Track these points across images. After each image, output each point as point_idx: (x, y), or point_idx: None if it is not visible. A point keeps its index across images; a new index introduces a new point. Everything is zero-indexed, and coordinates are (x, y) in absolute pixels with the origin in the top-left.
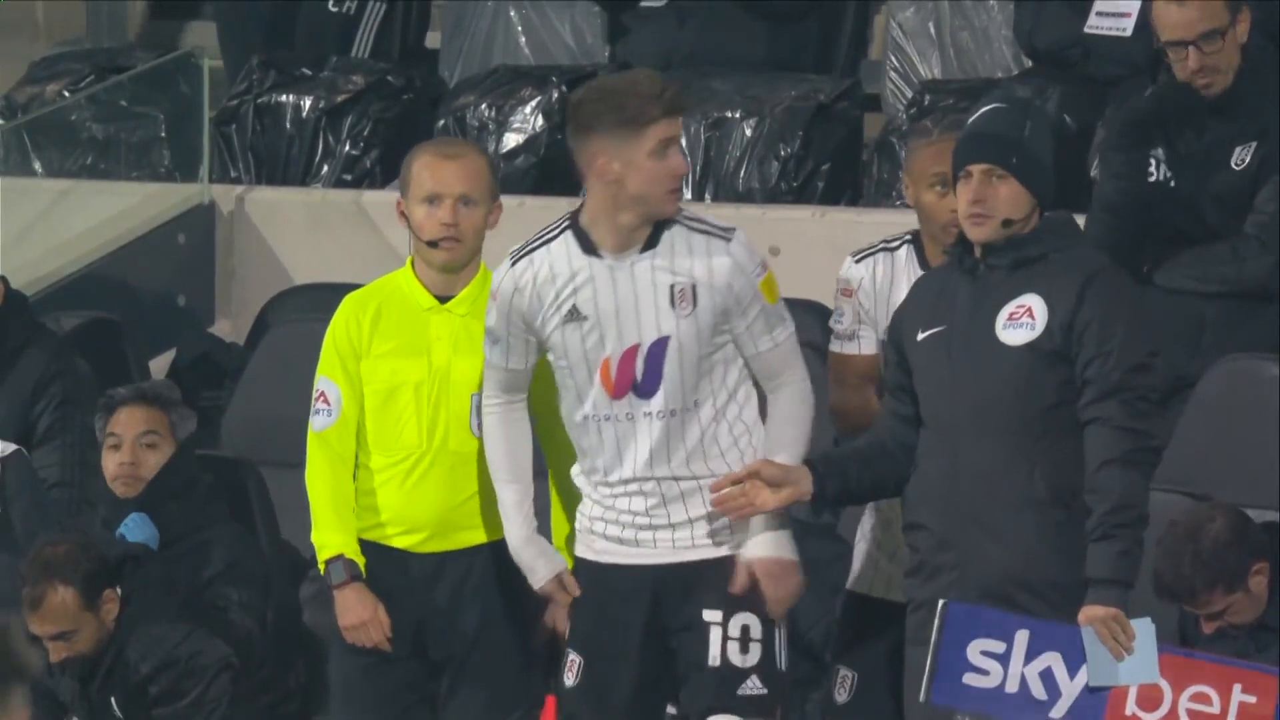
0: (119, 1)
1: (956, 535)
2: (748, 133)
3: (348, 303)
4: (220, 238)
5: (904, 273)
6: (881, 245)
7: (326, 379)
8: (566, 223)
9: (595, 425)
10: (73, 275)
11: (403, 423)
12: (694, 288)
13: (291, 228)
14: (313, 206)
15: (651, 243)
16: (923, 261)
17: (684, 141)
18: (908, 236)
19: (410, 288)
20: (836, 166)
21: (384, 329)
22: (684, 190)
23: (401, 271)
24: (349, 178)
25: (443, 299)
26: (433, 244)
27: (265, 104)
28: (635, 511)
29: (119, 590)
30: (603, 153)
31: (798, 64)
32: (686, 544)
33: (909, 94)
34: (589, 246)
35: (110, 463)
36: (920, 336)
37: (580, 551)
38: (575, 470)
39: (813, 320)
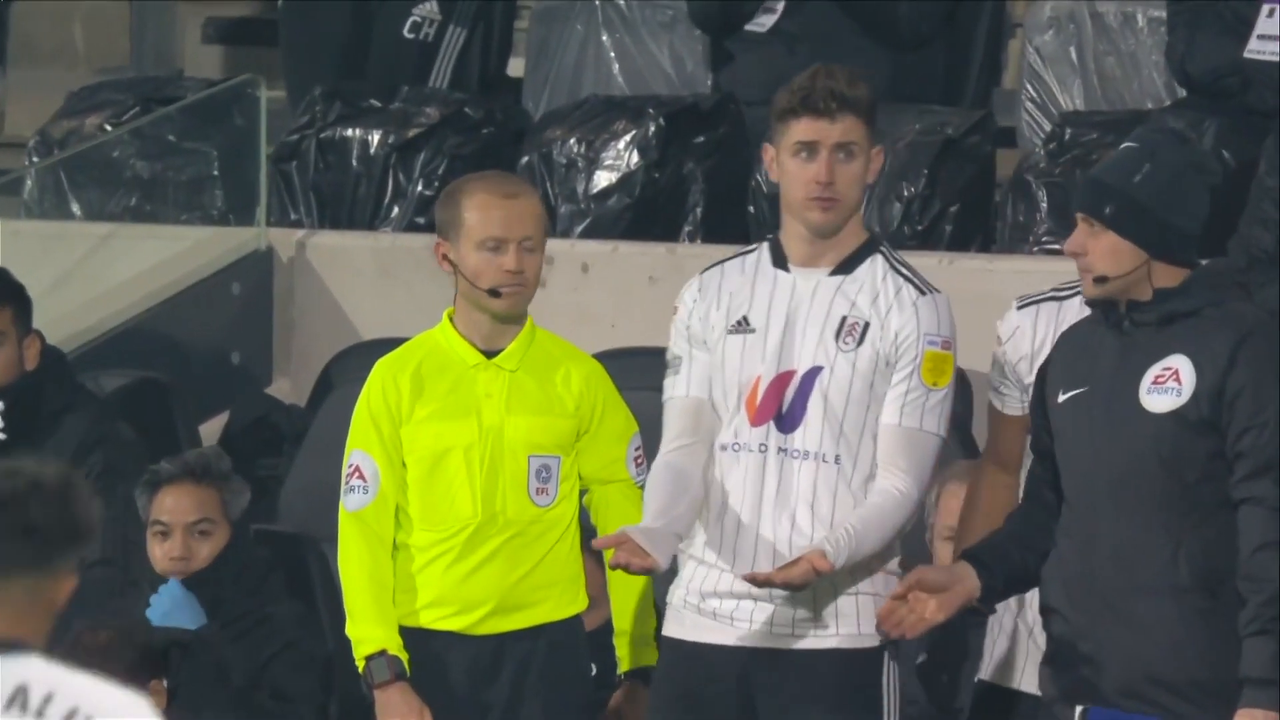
0: (167, 24)
1: (1092, 624)
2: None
3: (381, 366)
4: (279, 288)
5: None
6: (1050, 293)
7: (361, 452)
8: (765, 237)
9: (728, 458)
10: (115, 330)
11: (454, 492)
12: (865, 326)
13: (358, 276)
14: (381, 253)
15: (846, 267)
16: (778, 258)
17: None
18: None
19: (451, 343)
20: (966, 208)
21: (426, 390)
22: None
23: (438, 329)
24: (422, 221)
25: (489, 354)
26: (494, 292)
27: (329, 139)
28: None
29: (165, 682)
30: (771, 143)
31: (922, 94)
32: (785, 629)
33: (1047, 127)
34: (780, 258)
35: (158, 551)
36: (1061, 398)
37: (668, 629)
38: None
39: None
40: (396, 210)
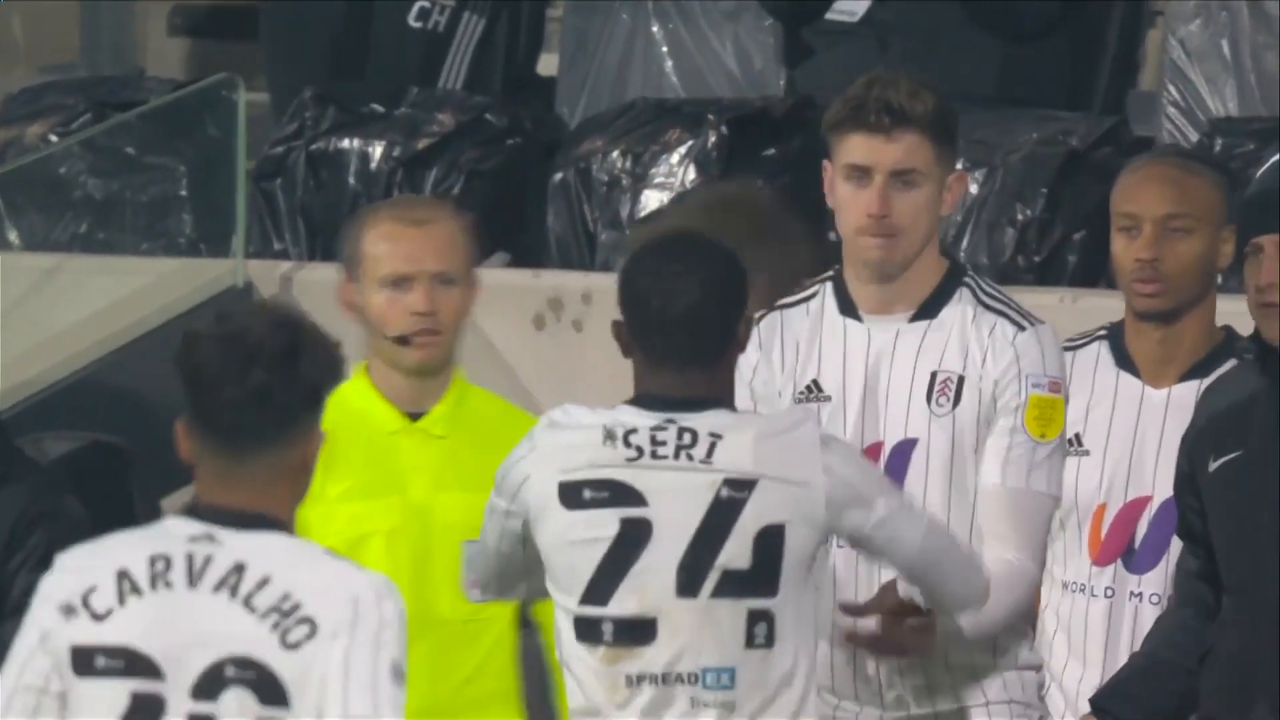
0: (125, 14)
1: None
2: (973, 189)
3: None
4: None
5: (1087, 375)
6: (1086, 335)
7: None
8: (829, 275)
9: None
10: (60, 384)
11: None
12: (960, 381)
13: None
14: None
15: (928, 310)
16: (1120, 357)
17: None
18: (1103, 330)
19: (368, 403)
20: (1094, 235)
21: (340, 462)
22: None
23: (350, 385)
24: None
25: (413, 416)
26: (403, 340)
27: (321, 151)
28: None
29: None
30: (828, 169)
31: (1042, 97)
32: None
33: (1194, 136)
34: (847, 304)
35: None
36: (1213, 466)
37: None
38: None
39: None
40: None
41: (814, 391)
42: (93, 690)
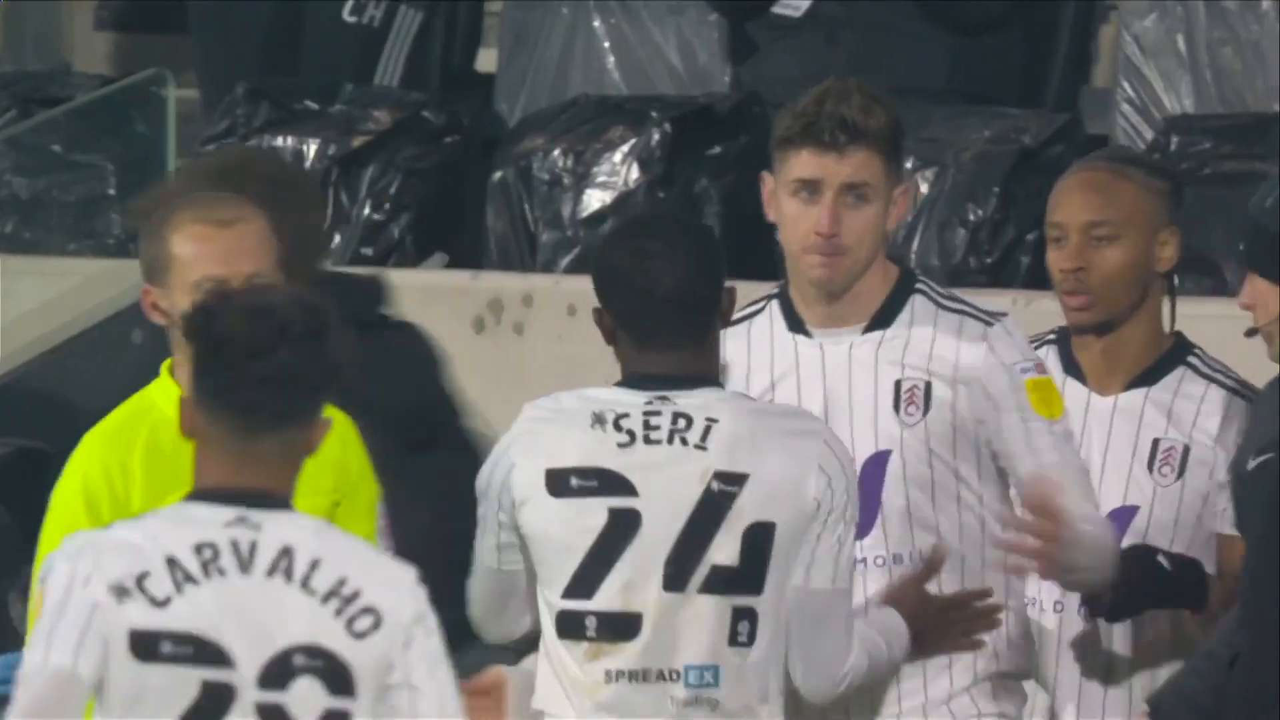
0: (49, 7)
1: None
2: (923, 189)
3: (96, 443)
4: None
5: None
6: (1036, 338)
7: None
8: (775, 289)
9: None
10: None
11: None
12: (928, 386)
13: None
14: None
15: (882, 319)
16: (1067, 364)
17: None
18: (1052, 334)
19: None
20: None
21: (161, 476)
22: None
23: (157, 388)
24: (370, 251)
25: None
26: None
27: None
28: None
29: None
30: (771, 180)
31: (994, 93)
32: None
33: (1149, 133)
34: (795, 321)
35: None
36: (1251, 464)
37: None
38: None
39: None
40: (338, 238)
41: None
42: (159, 676)
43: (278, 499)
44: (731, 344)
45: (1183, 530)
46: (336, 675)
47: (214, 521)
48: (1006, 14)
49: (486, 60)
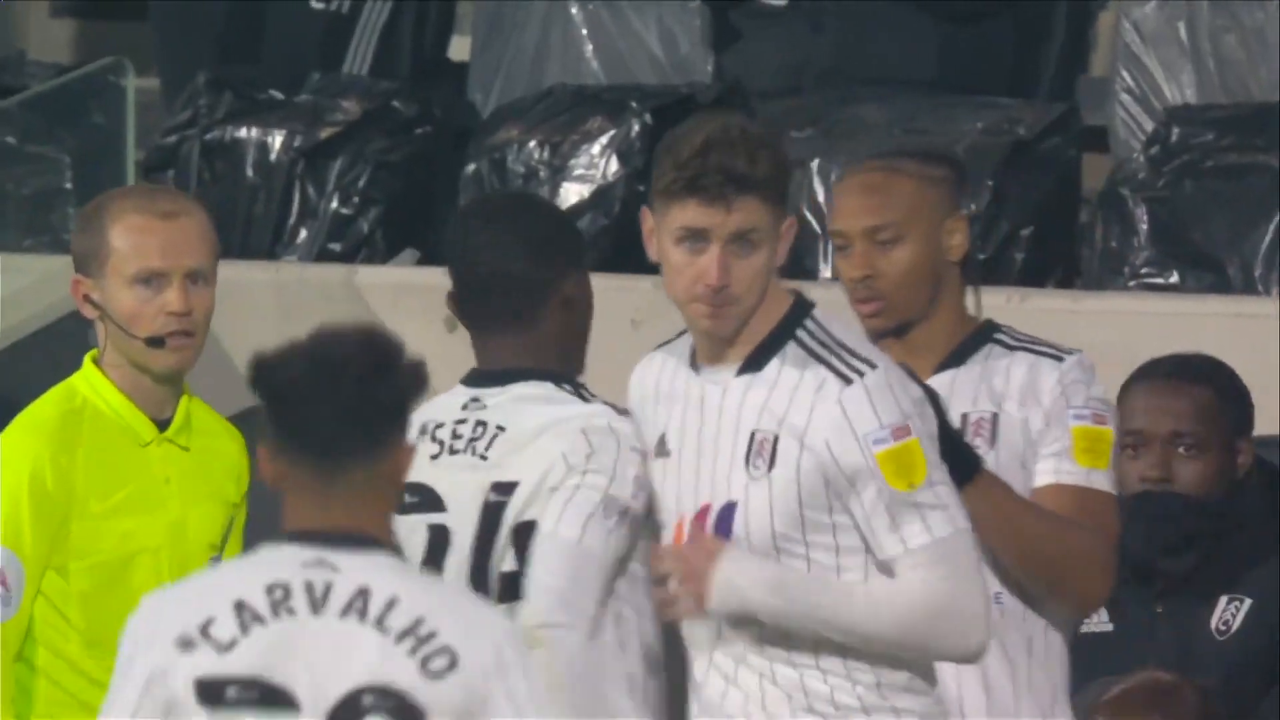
0: None
1: None
2: None
3: (35, 435)
4: None
5: None
6: None
7: (3, 549)
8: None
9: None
10: None
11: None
12: (775, 441)
13: (256, 318)
14: (286, 289)
15: (757, 360)
16: None
17: (803, 210)
18: None
19: (118, 409)
20: (1043, 230)
21: (105, 474)
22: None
23: (89, 385)
24: (338, 247)
25: (159, 424)
26: (156, 342)
27: (217, 141)
28: None
29: None
30: (653, 219)
31: (986, 83)
32: None
33: (1149, 126)
34: (692, 353)
35: None
36: None
37: None
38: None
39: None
40: (304, 234)
41: (661, 448)
42: None
43: (364, 539)
44: (648, 374)
45: None
46: (408, 716)
47: (291, 562)
48: (999, 4)
49: (459, 48)
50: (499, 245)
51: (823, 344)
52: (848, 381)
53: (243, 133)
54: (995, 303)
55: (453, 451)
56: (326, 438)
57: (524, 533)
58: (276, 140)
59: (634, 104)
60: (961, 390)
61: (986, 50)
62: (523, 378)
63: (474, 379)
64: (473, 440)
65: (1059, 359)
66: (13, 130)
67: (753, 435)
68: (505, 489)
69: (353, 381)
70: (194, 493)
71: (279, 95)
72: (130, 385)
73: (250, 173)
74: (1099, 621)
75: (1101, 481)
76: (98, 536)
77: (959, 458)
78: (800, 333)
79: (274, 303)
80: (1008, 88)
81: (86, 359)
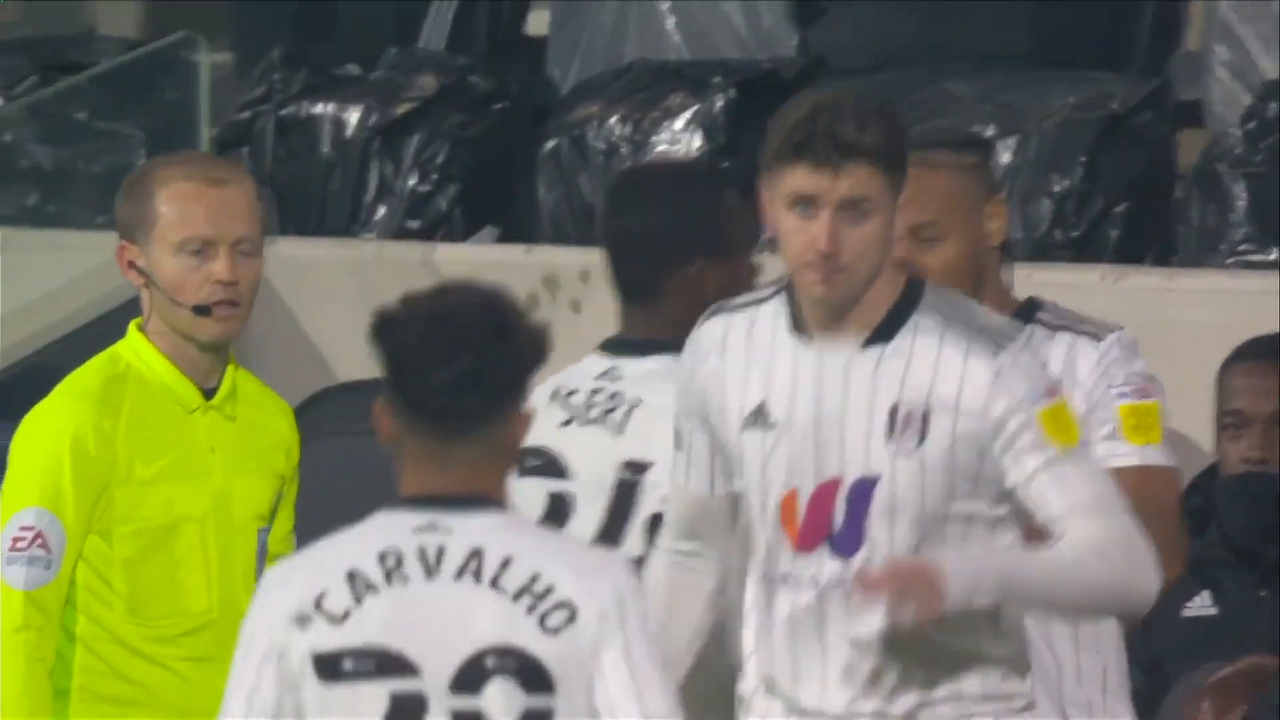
0: None
1: None
2: (1005, 158)
3: (77, 398)
4: None
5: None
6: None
7: (46, 512)
8: (785, 281)
9: (766, 594)
10: (5, 372)
11: (186, 578)
12: (925, 414)
13: (332, 298)
14: (363, 267)
15: (885, 332)
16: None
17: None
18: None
19: (163, 376)
20: (1137, 208)
21: (148, 440)
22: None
23: (135, 351)
24: (416, 225)
25: (205, 393)
26: (203, 310)
27: (292, 117)
28: None
29: None
30: (765, 189)
31: (1078, 58)
32: None
33: (1246, 100)
34: (799, 321)
35: None
36: None
37: None
38: (742, 689)
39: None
40: (382, 212)
41: (759, 417)
42: (346, 695)
43: (481, 501)
44: (733, 333)
45: None
46: (532, 674)
47: (403, 527)
48: None
49: (537, 22)
50: (647, 212)
51: (964, 306)
52: (995, 347)
53: (318, 109)
54: (1088, 281)
55: (586, 421)
56: (444, 403)
57: (659, 523)
58: (352, 116)
59: (717, 79)
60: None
61: (1078, 23)
62: (659, 349)
63: (612, 347)
64: (608, 411)
65: (1097, 338)
66: (83, 107)
67: (894, 408)
68: (639, 468)
69: (472, 347)
70: (239, 464)
71: (354, 71)
72: (175, 352)
73: (326, 149)
74: (1202, 605)
75: (1156, 456)
76: (141, 502)
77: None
78: (927, 303)
79: (351, 282)
80: (1100, 61)
81: (131, 325)
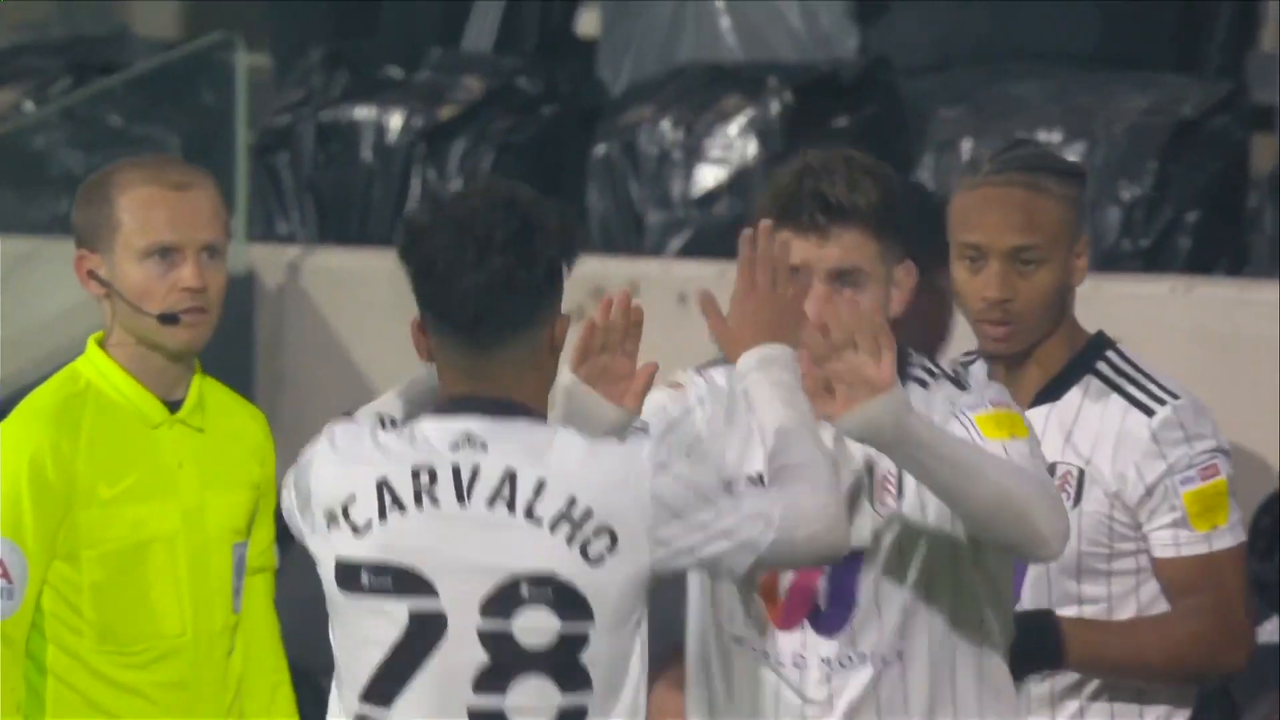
0: None
1: None
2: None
3: (36, 420)
4: (263, 323)
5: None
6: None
7: (4, 539)
8: None
9: (748, 669)
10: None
11: (158, 601)
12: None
13: (374, 311)
14: (404, 277)
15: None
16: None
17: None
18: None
19: (123, 390)
20: (1209, 215)
21: (110, 459)
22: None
23: (92, 366)
24: None
25: (170, 405)
26: (170, 318)
27: (332, 121)
28: None
29: None
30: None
31: (1148, 59)
32: None
33: None
34: None
35: None
36: None
37: None
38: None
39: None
40: None
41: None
42: (364, 607)
43: (519, 408)
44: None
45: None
46: (567, 600)
47: (440, 445)
48: None
49: (587, 23)
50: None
51: (929, 365)
52: (1150, 413)
53: (359, 112)
54: (1158, 292)
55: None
56: (475, 312)
57: None
58: (394, 120)
59: (773, 82)
60: (1052, 435)
61: (1148, 23)
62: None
63: None
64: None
65: (1149, 412)
66: (117, 110)
67: (872, 469)
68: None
69: (498, 252)
70: (211, 477)
71: (397, 72)
72: (137, 365)
73: (367, 154)
74: (1271, 631)
75: (1224, 538)
76: (107, 524)
77: (1045, 645)
78: (915, 373)
79: (392, 293)
80: (1171, 64)
81: (90, 340)
